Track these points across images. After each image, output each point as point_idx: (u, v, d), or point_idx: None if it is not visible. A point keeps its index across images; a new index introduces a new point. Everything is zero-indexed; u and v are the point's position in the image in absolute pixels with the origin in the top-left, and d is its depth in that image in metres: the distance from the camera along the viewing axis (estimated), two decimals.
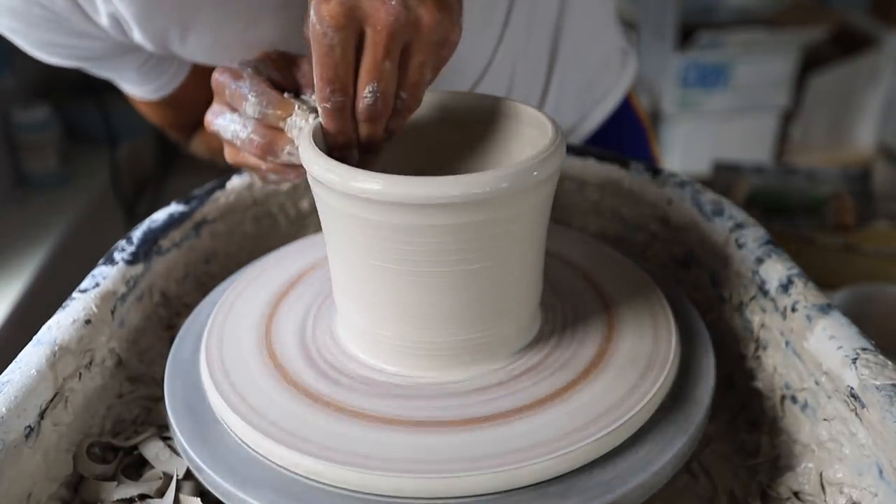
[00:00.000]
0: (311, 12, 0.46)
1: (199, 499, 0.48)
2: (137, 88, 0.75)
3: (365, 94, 0.47)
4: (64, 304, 0.54)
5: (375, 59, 0.46)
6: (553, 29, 0.82)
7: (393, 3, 0.45)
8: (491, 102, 0.55)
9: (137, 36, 0.64)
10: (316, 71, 0.47)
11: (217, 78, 0.56)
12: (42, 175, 1.48)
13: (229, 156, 0.58)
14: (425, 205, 0.43)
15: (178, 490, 0.49)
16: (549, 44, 0.83)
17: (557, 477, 0.44)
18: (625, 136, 0.95)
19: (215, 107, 0.57)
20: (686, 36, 2.23)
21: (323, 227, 0.50)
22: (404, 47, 0.47)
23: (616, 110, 0.92)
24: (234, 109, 0.55)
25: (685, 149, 2.33)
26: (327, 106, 0.48)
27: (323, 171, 0.45)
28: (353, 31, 0.45)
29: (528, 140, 0.52)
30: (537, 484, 0.43)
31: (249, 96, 0.53)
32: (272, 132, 0.53)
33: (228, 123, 0.55)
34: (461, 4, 0.49)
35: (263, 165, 0.55)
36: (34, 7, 0.60)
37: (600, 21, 0.89)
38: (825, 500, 0.48)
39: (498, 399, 0.48)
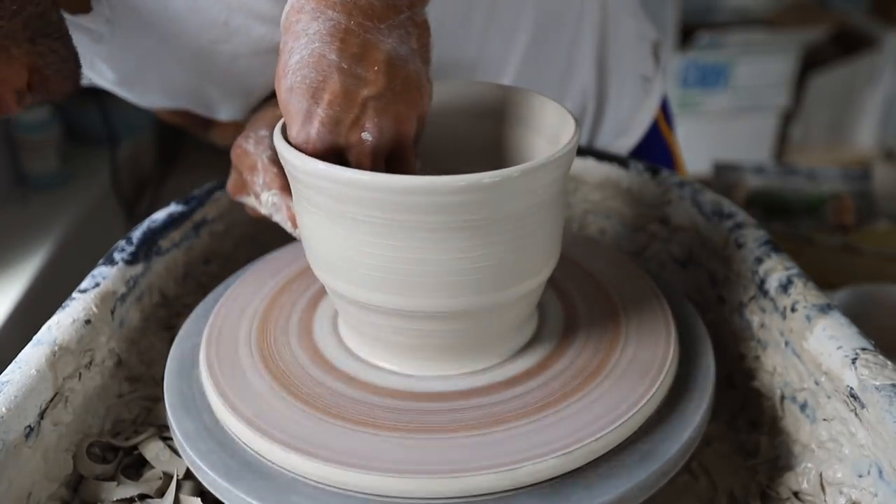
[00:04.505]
0: (292, 141, 0.47)
1: (199, 499, 0.48)
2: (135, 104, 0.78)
3: None
4: (64, 304, 0.54)
5: None
6: (572, 51, 0.80)
7: (367, 132, 0.46)
8: (514, 94, 0.55)
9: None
10: None
11: (233, 158, 0.60)
12: (42, 175, 1.48)
13: (252, 214, 0.61)
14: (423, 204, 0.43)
15: (178, 490, 0.49)
16: (572, 69, 0.81)
17: (557, 477, 0.44)
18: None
19: (236, 180, 0.60)
20: (686, 36, 2.23)
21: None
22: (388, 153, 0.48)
23: (640, 144, 0.87)
24: (255, 194, 0.58)
25: (685, 149, 2.32)
26: None
27: (315, 174, 0.45)
28: (334, 155, 0.47)
29: (549, 137, 0.52)
30: (537, 484, 0.43)
31: (262, 197, 0.57)
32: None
33: (254, 204, 0.58)
34: (427, 64, 0.49)
35: None
36: None
37: (619, 49, 0.84)
38: (825, 500, 0.48)
39: (499, 400, 0.48)
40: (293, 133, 0.46)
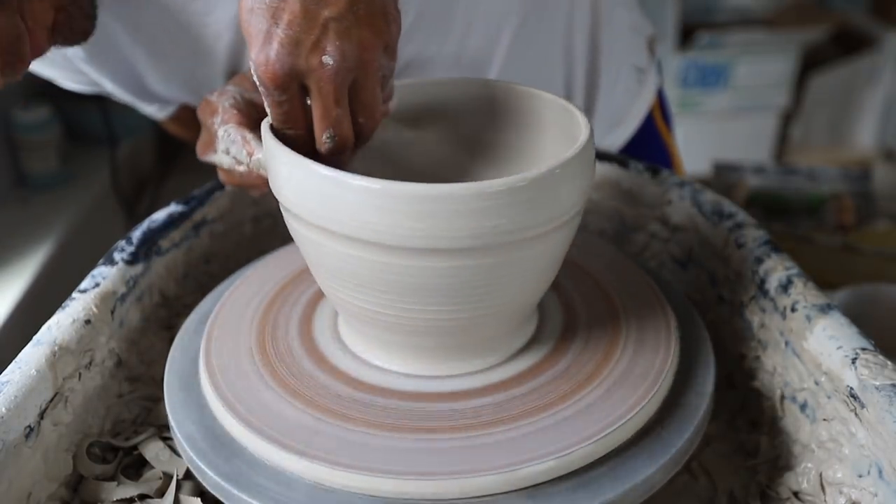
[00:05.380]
0: (252, 73, 0.46)
1: (198, 499, 0.48)
2: (144, 108, 0.79)
3: (324, 139, 0.47)
4: (64, 304, 0.54)
5: (326, 109, 0.46)
6: (563, 41, 0.80)
7: (327, 55, 0.44)
8: (512, 91, 0.55)
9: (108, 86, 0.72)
10: (270, 115, 0.48)
11: (199, 113, 0.59)
12: (42, 175, 1.48)
13: (224, 178, 0.60)
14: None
15: (178, 490, 0.49)
16: (561, 59, 0.80)
17: (557, 477, 0.44)
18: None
19: (203, 138, 0.59)
20: (686, 36, 2.23)
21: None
22: (351, 81, 0.47)
23: (634, 137, 0.86)
24: (214, 134, 0.57)
25: (685, 149, 2.31)
26: (287, 134, 0.49)
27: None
28: (296, 85, 0.46)
29: (553, 136, 0.52)
30: (537, 485, 0.43)
31: (218, 133, 0.55)
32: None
33: (222, 158, 0.57)
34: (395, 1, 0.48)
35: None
36: None
37: (611, 39, 0.83)
38: (825, 500, 0.48)
39: (499, 401, 0.48)
40: (253, 55, 0.45)
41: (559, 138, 0.52)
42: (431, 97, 0.57)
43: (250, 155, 0.53)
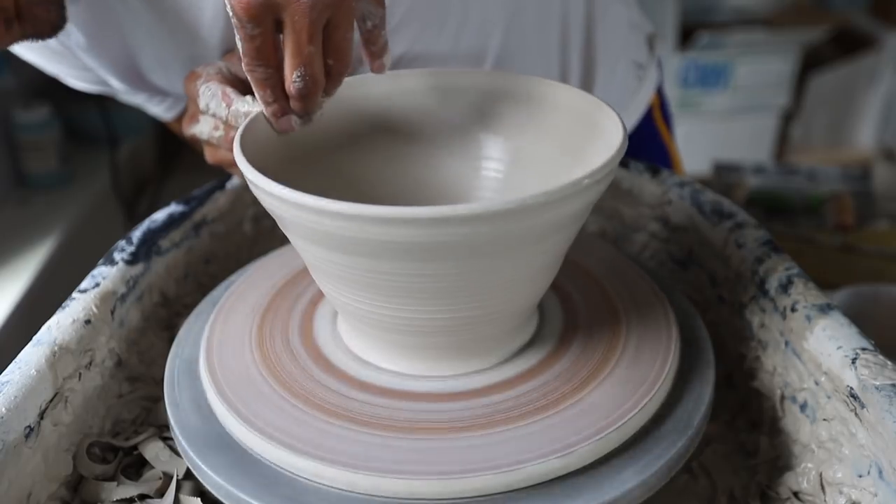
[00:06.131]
0: (227, 5, 0.45)
1: (198, 499, 0.48)
2: (152, 108, 0.80)
3: (294, 78, 0.47)
4: (64, 304, 0.54)
5: (299, 45, 0.46)
6: (558, 35, 0.79)
7: None
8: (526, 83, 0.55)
9: (113, 82, 0.72)
10: (241, 51, 0.48)
11: (185, 85, 0.59)
12: (42, 175, 1.48)
13: (208, 155, 0.60)
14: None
15: (178, 490, 0.49)
16: (556, 53, 0.80)
17: (557, 478, 0.44)
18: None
19: (191, 110, 0.59)
20: (686, 36, 2.23)
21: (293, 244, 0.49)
22: (326, 22, 0.46)
23: (634, 136, 0.83)
24: (203, 112, 0.57)
25: (685, 149, 2.31)
26: (256, 77, 0.48)
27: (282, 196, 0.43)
28: (270, 19, 0.45)
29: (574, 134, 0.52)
30: (537, 485, 0.43)
31: (199, 91, 0.56)
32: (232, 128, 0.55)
33: (202, 126, 0.57)
34: None
35: None
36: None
37: (608, 33, 0.82)
38: (825, 500, 0.48)
39: (499, 401, 0.48)
40: None
41: (577, 115, 0.52)
42: (438, 78, 0.58)
43: (228, 106, 0.53)
